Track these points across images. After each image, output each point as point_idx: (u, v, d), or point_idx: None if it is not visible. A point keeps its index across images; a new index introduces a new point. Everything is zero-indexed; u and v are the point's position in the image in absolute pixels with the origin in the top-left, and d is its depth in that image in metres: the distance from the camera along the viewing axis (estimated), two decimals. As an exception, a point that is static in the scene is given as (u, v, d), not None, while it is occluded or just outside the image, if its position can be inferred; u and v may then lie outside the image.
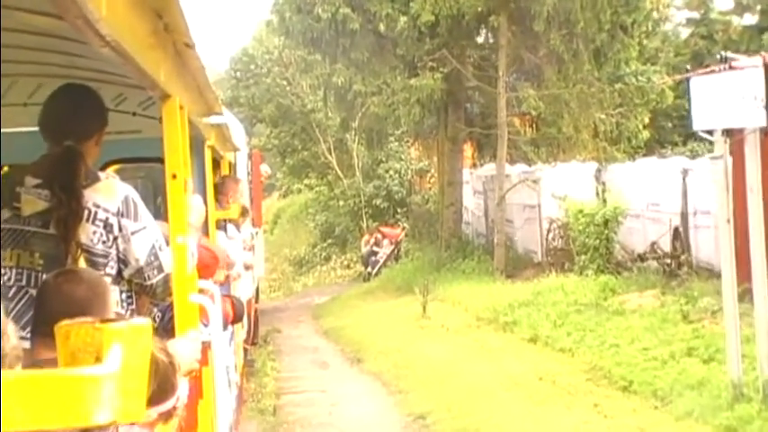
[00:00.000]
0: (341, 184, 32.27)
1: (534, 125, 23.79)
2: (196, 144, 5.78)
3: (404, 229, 28.94)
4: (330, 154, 32.00)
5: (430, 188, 30.50)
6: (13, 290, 3.74)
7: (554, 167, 22.30)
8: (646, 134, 23.96)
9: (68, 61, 4.32)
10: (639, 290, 16.17)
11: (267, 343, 17.78)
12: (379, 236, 28.51)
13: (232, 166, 11.28)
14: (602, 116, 22.43)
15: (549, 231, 21.16)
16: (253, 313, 13.83)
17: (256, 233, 14.65)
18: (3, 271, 3.77)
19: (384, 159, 30.92)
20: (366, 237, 28.91)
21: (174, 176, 3.74)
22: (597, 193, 21.54)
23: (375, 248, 28.26)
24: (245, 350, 12.49)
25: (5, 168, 4.30)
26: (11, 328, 1.65)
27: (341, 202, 32.07)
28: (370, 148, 28.72)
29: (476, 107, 25.24)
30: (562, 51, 21.03)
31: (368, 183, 31.09)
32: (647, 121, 23.92)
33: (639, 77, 25.54)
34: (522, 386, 11.84)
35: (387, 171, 30.63)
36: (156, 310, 4.54)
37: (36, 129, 4.04)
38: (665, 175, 18.76)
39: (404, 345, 15.63)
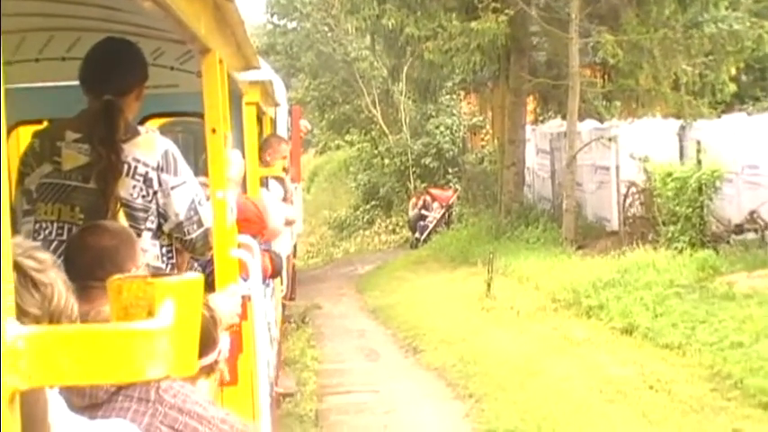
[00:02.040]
0: (386, 141, 29.90)
1: (607, 76, 21.24)
2: (234, 99, 5.50)
3: (456, 191, 26.57)
4: (375, 107, 29.57)
5: (484, 146, 28.08)
6: (54, 244, 3.77)
7: (631, 124, 19.84)
8: (732, 87, 21.39)
9: (107, 15, 4.39)
10: (747, 269, 13.79)
11: (306, 323, 15.61)
12: (429, 198, 26.20)
13: (273, 122, 11.38)
14: (686, 66, 19.92)
15: (626, 197, 18.79)
16: (291, 269, 13.83)
17: (295, 188, 14.22)
18: (44, 225, 3.90)
19: (434, 114, 28.48)
20: (414, 199, 26.60)
21: (214, 131, 3.81)
22: (681, 154, 19.22)
23: (424, 212, 25.97)
24: (284, 306, 12.54)
25: (46, 123, 4.41)
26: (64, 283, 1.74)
27: (386, 161, 29.67)
28: (422, 101, 26.22)
29: (541, 55, 22.75)
30: (643, -10, 18.65)
31: (416, 140, 28.67)
32: (733, 72, 21.36)
33: (720, 24, 22.89)
34: (628, 396, 9.56)
35: (437, 127, 28.18)
36: (196, 264, 4.62)
37: (76, 83, 4.08)
38: (764, 132, 16.32)
39: (468, 332, 13.40)
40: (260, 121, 8.88)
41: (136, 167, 3.91)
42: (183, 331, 1.32)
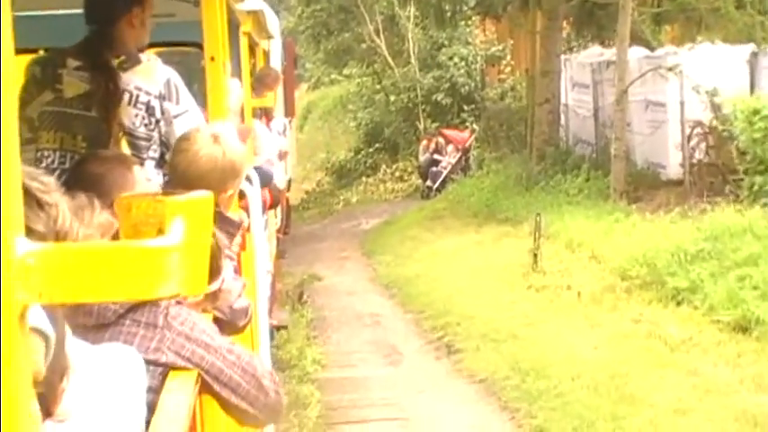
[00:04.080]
0: (391, 75, 26.57)
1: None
2: (231, 29, 5.46)
3: (473, 132, 23.37)
4: (378, 36, 26.20)
5: (504, 80, 24.75)
6: (57, 172, 3.69)
7: (691, 51, 16.69)
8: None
9: None
10: None
11: (302, 303, 12.63)
12: (442, 140, 23.01)
13: (266, 54, 11.62)
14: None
15: (689, 139, 15.73)
16: (285, 203, 13.91)
17: (289, 122, 14.65)
18: (45, 153, 3.97)
19: (446, 43, 25.14)
20: (424, 141, 23.38)
21: (213, 59, 3.93)
22: (753, 85, 16.20)
23: (436, 156, 22.82)
24: (278, 239, 12.26)
25: (42, 52, 4.43)
26: (96, 202, 2.13)
27: (391, 97, 26.27)
28: (439, 27, 22.76)
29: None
30: None
31: (425, 73, 25.24)
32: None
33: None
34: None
35: (450, 58, 24.75)
36: None
37: (71, 11, 4.45)
38: None
39: (517, 323, 10.40)
40: (253, 52, 9.05)
41: (138, 96, 4.00)
42: (194, 249, 1.34)
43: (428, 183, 22.71)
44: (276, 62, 13.30)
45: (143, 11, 4.12)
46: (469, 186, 20.28)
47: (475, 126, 23.60)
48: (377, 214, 21.55)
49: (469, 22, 25.18)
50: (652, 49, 18.66)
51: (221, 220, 3.38)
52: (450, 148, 22.81)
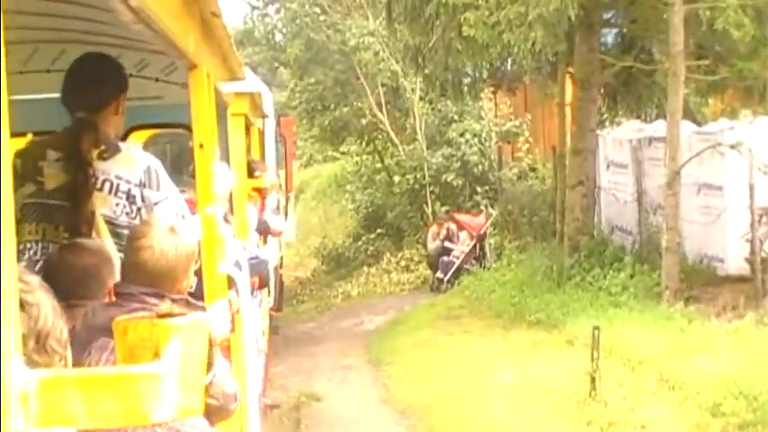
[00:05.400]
0: (395, 152, 24.33)
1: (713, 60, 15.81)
2: (219, 111, 4.84)
3: (489, 216, 21.08)
4: (381, 110, 24.00)
5: (522, 158, 22.44)
6: (40, 264, 3.81)
7: (752, 124, 14.53)
8: None
9: (90, 27, 4.48)
10: None
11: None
12: (454, 226, 20.69)
13: (261, 133, 12.10)
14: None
15: (757, 228, 13.49)
16: (278, 279, 13.84)
17: (288, 198, 14.94)
18: (28, 245, 4.01)
19: (456, 118, 22.96)
20: (434, 227, 21.05)
21: (202, 146, 3.92)
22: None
23: (448, 244, 20.49)
24: (271, 317, 12.42)
25: (29, 140, 4.42)
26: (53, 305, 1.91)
27: (395, 177, 23.95)
28: (456, 99, 20.38)
29: (610, 35, 17.46)
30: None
31: (434, 151, 23.02)
32: None
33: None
34: None
35: (461, 134, 22.53)
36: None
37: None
38: None
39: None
40: (247, 131, 9.18)
41: (118, 185, 4.08)
42: (190, 372, 1.40)
43: (438, 274, 20.37)
44: (270, 140, 13.58)
45: (125, 98, 4.26)
46: (489, 280, 17.92)
47: (491, 210, 21.30)
48: (381, 310, 19.22)
49: (482, 95, 23.10)
50: (698, 123, 16.54)
51: (190, 305, 3.46)
52: (464, 234, 20.51)
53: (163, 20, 2.83)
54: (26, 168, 4.05)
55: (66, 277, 3.25)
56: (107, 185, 4.06)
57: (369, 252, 23.88)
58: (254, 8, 26.28)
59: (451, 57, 15.95)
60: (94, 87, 4.14)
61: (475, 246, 20.28)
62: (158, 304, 3.11)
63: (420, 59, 17.26)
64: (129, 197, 4.07)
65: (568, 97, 17.12)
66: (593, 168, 16.60)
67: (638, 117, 18.14)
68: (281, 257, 14.44)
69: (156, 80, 5.76)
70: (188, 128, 4.17)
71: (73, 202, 4.01)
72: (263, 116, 11.82)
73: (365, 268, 23.12)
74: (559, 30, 14.71)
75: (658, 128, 16.75)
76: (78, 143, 4.04)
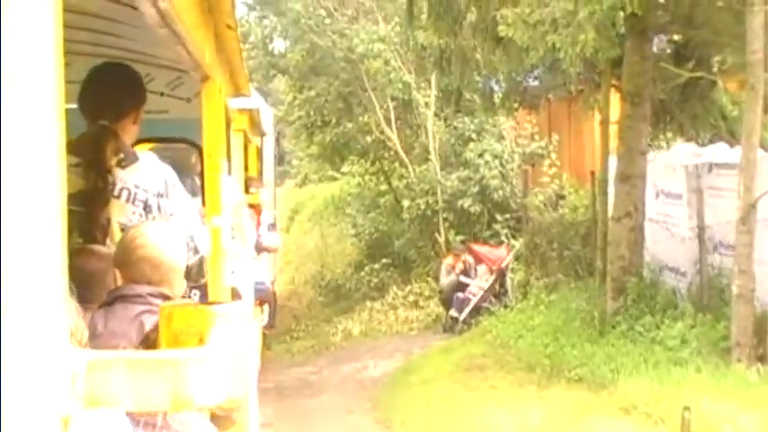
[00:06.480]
0: (404, 174, 22.00)
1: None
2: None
3: (511, 248, 18.82)
4: (389, 126, 21.71)
5: (547, 183, 20.08)
6: None
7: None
8: None
9: (97, 39, 4.72)
10: None
11: None
12: (470, 259, 18.45)
13: (259, 151, 12.60)
14: None
15: None
16: (272, 297, 13.49)
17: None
18: None
19: (474, 136, 20.69)
20: (449, 259, 18.81)
21: (211, 157, 4.12)
22: None
23: (464, 278, 18.25)
24: (264, 335, 12.39)
25: None
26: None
27: (404, 202, 21.63)
28: (489, 110, 18.04)
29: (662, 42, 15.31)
30: None
31: (448, 173, 20.75)
32: None
33: None
34: None
35: (480, 155, 20.22)
36: (192, 290, 4.62)
37: (70, 106, 4.13)
38: None
39: None
40: (245, 149, 9.55)
41: (136, 194, 4.12)
42: (234, 360, 1.38)
43: (453, 312, 18.08)
44: (269, 157, 13.71)
45: (143, 109, 4.37)
46: (514, 323, 15.65)
47: (513, 241, 19.03)
48: (387, 353, 17.02)
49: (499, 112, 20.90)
50: (765, 148, 14.36)
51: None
52: (482, 268, 18.21)
53: (184, 29, 2.84)
54: None
55: (74, 281, 3.01)
56: (125, 193, 4.11)
57: (372, 284, 21.46)
58: (251, 9, 24.08)
59: (483, 61, 13.71)
60: (118, 96, 4.22)
61: (495, 281, 18.02)
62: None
63: (444, 63, 14.99)
64: (146, 206, 4.11)
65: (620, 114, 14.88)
66: (643, 197, 14.36)
67: (690, 139, 15.93)
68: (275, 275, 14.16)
69: (162, 95, 5.83)
70: (191, 143, 4.48)
71: (89, 208, 4.01)
72: (262, 134, 11.99)
73: (368, 302, 20.71)
74: (612, 32, 12.56)
75: (717, 152, 14.58)
76: (100, 150, 4.07)
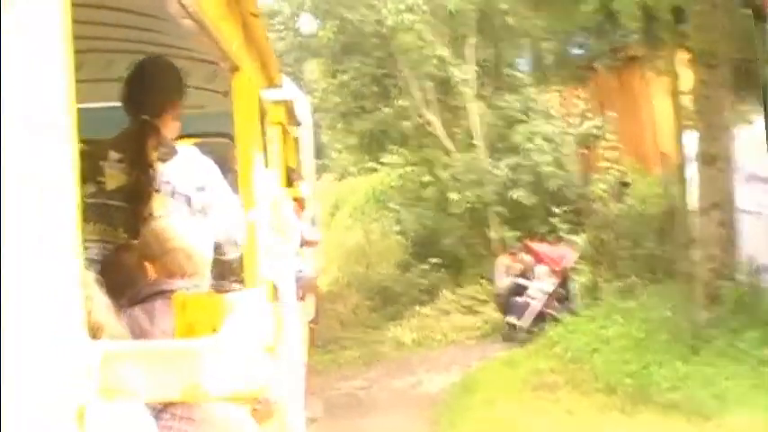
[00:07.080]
0: (448, 162, 20.13)
1: None
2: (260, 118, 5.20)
3: (573, 246, 16.99)
4: (428, 109, 19.86)
5: (607, 169, 18.11)
6: (98, 265, 3.94)
7: None
8: None
9: (134, 35, 4.82)
10: None
11: None
12: (529, 258, 16.73)
13: (296, 142, 12.02)
14: None
15: None
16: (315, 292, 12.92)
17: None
18: (86, 245, 3.92)
19: (522, 116, 18.79)
20: (506, 259, 17.10)
21: (243, 150, 3.97)
22: None
23: (522, 281, 16.53)
24: (311, 330, 11.71)
25: (86, 141, 4.08)
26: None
27: (452, 195, 19.65)
28: (538, 81, 16.02)
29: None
30: None
31: (496, 160, 18.99)
32: None
33: None
34: None
35: (529, 138, 18.42)
36: (234, 284, 4.64)
37: (110, 104, 4.46)
38: None
39: None
40: (283, 139, 9.29)
41: (176, 187, 4.10)
42: (248, 348, 1.36)
43: (510, 318, 16.41)
44: (308, 149, 13.49)
45: (182, 104, 4.35)
46: (586, 334, 13.89)
47: (575, 238, 17.18)
48: (443, 366, 15.52)
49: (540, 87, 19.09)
50: None
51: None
52: (541, 269, 16.45)
53: (210, 19, 2.84)
54: (87, 168, 3.74)
55: (117, 276, 3.21)
56: (167, 188, 4.08)
57: (421, 287, 19.73)
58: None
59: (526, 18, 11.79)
60: (158, 91, 4.20)
61: (559, 284, 16.25)
62: None
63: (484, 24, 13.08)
64: (188, 200, 4.08)
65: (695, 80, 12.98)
66: (731, 184, 12.53)
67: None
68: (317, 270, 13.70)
69: (197, 88, 5.65)
70: (229, 137, 4.22)
71: (133, 203, 4.01)
72: (298, 124, 11.73)
73: (417, 307, 18.94)
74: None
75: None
76: (142, 145, 4.06)
